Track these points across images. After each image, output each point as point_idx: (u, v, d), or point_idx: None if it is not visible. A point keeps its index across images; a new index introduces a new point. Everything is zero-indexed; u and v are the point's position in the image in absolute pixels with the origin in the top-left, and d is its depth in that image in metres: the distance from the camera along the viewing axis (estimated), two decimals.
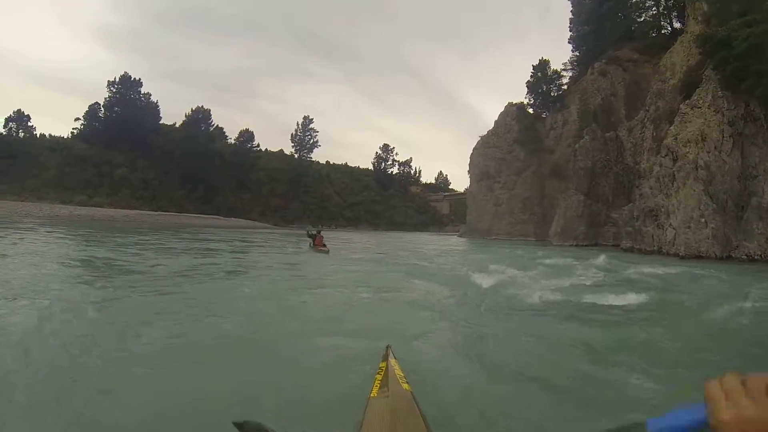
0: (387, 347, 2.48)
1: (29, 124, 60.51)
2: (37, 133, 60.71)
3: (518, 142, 42.74)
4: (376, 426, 1.63)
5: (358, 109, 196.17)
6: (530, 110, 46.75)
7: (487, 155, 45.01)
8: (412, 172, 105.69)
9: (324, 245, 15.78)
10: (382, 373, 2.08)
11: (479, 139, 48.20)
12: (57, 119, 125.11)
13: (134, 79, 65.33)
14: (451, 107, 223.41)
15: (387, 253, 19.34)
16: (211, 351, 3.90)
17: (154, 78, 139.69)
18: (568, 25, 48.22)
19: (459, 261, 15.80)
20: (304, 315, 5.90)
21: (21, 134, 58.52)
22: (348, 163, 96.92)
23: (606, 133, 32.08)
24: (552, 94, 46.40)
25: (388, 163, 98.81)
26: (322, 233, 16.88)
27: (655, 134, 25.73)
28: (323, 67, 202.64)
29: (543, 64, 47.37)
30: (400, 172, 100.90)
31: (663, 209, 20.45)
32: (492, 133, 46.34)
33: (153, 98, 66.75)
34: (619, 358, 4.14)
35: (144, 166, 60.37)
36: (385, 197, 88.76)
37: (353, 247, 23.11)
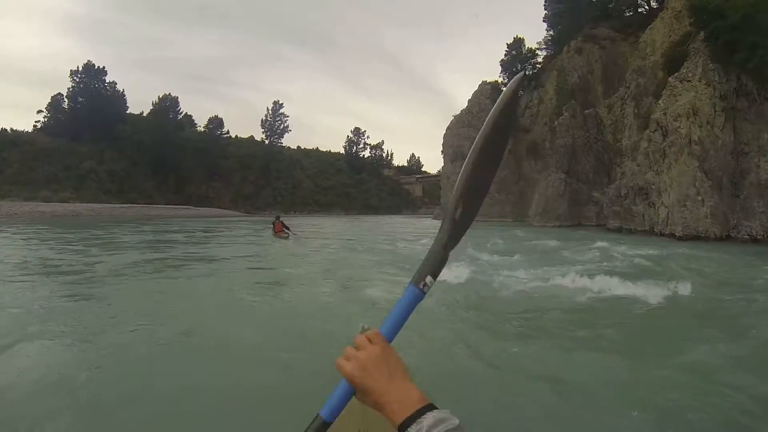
0: (362, 327, 1.71)
1: None
2: None
3: None
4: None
5: (332, 95, 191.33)
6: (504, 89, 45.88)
7: (461, 135, 43.82)
8: (384, 155, 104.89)
9: (284, 231, 15.51)
10: None
11: (452, 118, 47.03)
12: (18, 114, 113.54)
13: (98, 67, 61.75)
14: (424, 91, 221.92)
15: (355, 238, 18.32)
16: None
17: (122, 68, 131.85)
18: (543, 3, 47.23)
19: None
20: (245, 314, 5.31)
21: None
22: (319, 148, 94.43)
23: (585, 111, 31.48)
24: (527, 72, 45.52)
25: (360, 146, 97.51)
26: (282, 219, 16.53)
27: (636, 111, 25.23)
28: (297, 53, 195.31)
29: (517, 42, 46.37)
30: (372, 156, 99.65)
31: (654, 187, 19.89)
32: (466, 113, 45.21)
33: (119, 87, 63.55)
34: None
35: (111, 157, 57.43)
36: (358, 181, 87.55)
37: (322, 233, 21.97)
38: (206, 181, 66.81)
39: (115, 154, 57.87)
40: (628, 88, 26.94)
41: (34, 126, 59.78)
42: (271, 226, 16.17)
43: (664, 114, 19.94)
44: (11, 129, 56.99)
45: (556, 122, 32.24)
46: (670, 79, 20.67)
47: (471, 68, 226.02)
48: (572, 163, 30.67)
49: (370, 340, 0.61)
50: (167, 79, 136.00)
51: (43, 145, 54.41)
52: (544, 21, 47.10)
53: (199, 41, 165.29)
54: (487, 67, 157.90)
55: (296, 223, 21.83)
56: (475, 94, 45.31)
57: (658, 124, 20.24)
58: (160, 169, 60.42)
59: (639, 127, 23.75)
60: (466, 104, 45.79)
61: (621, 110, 28.16)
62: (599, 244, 13.09)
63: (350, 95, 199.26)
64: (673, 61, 21.92)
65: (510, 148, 39.74)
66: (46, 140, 55.84)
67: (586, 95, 34.42)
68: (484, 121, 0.71)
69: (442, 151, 47.87)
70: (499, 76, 46.21)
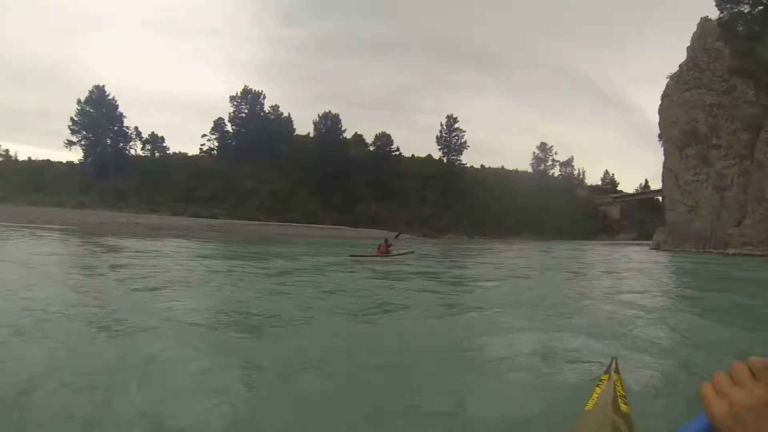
0: (612, 359, 2.09)
1: (164, 144, 66.02)
2: (171, 152, 65.88)
3: (738, 72, 25.20)
4: None
5: (511, 115, 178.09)
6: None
7: (688, 103, 28.31)
8: (576, 173, 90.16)
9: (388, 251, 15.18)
10: (602, 386, 1.80)
11: (668, 80, 31.73)
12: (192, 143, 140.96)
13: (255, 91, 65.73)
14: (605, 104, 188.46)
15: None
16: None
17: (300, 102, 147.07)
18: None
19: None
20: None
21: (156, 154, 64.18)
22: (504, 167, 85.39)
23: None
24: None
25: (548, 164, 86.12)
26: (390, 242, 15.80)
27: None
28: (469, 75, 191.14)
29: None
30: (562, 174, 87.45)
31: None
32: (689, 67, 29.42)
33: (284, 111, 66.83)
34: None
35: (273, 177, 59.54)
36: (548, 202, 75.51)
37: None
38: (378, 201, 64.02)
39: (277, 173, 59.26)
40: None
41: (200, 149, 65.85)
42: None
43: None
44: (179, 151, 65.20)
45: None
46: None
47: (651, 75, 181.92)
48: None
49: (753, 374, 0.46)
50: (343, 110, 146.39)
51: (206, 166, 59.06)
52: None
53: (369, 75, 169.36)
54: (669, 67, 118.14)
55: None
56: (697, 39, 29.72)
57: None
58: (325, 188, 59.45)
59: None
60: (685, 55, 29.96)
61: None
62: None
63: (531, 115, 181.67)
64: None
65: None
66: (209, 162, 60.86)
67: None
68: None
69: (659, 137, 32.36)
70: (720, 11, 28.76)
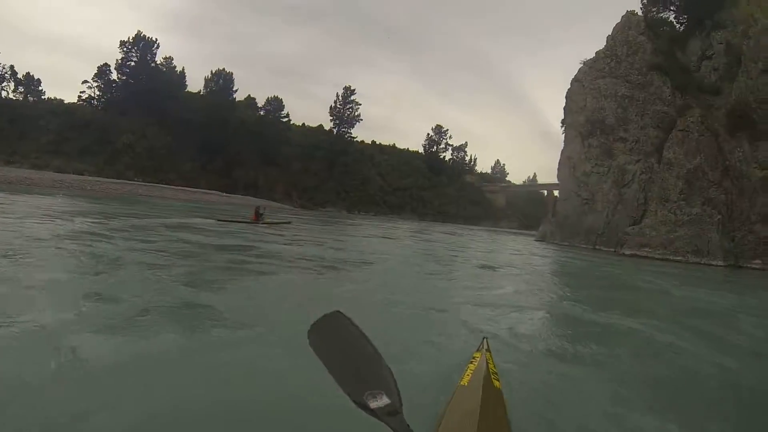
0: (483, 338, 2.44)
1: (39, 88, 57.06)
2: (46, 97, 57.03)
3: (658, 69, 25.13)
4: (460, 415, 1.64)
5: (413, 98, 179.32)
6: None
7: (601, 90, 27.20)
8: (467, 159, 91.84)
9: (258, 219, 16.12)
10: (475, 363, 2.05)
11: (581, 65, 30.55)
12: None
13: (149, 38, 57.60)
14: (506, 97, 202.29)
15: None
16: None
17: (207, 60, 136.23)
18: None
19: None
20: None
21: (30, 99, 55.58)
22: (396, 145, 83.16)
23: None
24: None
25: (441, 146, 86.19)
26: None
27: None
28: (378, 52, 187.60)
29: None
30: (453, 158, 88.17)
31: None
32: (606, 55, 28.41)
33: (177, 65, 60.04)
34: None
35: (154, 134, 53.47)
36: (435, 184, 76.33)
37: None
38: (259, 168, 59.34)
39: (159, 131, 53.68)
40: None
41: (79, 97, 57.18)
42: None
43: None
44: (55, 97, 56.97)
45: None
46: None
47: (555, 79, 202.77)
48: None
49: None
50: (249, 73, 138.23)
51: (83, 116, 52.48)
52: None
53: (286, 40, 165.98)
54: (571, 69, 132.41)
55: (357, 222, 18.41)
56: (619, 29, 28.79)
57: None
58: (206, 150, 54.75)
59: None
60: (605, 43, 29.45)
61: None
62: None
63: (432, 99, 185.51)
64: None
65: (695, 119, 22.94)
66: (86, 111, 54.14)
67: None
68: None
69: (562, 123, 31.71)
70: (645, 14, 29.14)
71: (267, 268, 6.93)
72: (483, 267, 11.02)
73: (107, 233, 9.04)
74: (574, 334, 4.69)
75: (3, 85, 54.59)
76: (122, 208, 19.12)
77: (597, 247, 25.13)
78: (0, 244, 6.13)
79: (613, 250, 23.61)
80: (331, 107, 70.25)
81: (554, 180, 35.58)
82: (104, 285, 4.67)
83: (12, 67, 54.71)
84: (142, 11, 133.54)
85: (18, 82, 55.50)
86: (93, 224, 10.85)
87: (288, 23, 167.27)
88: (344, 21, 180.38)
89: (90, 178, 40.55)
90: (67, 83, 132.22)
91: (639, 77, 25.06)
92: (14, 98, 54.60)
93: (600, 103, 26.73)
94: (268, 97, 65.42)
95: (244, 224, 15.40)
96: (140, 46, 56.96)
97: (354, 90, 70.73)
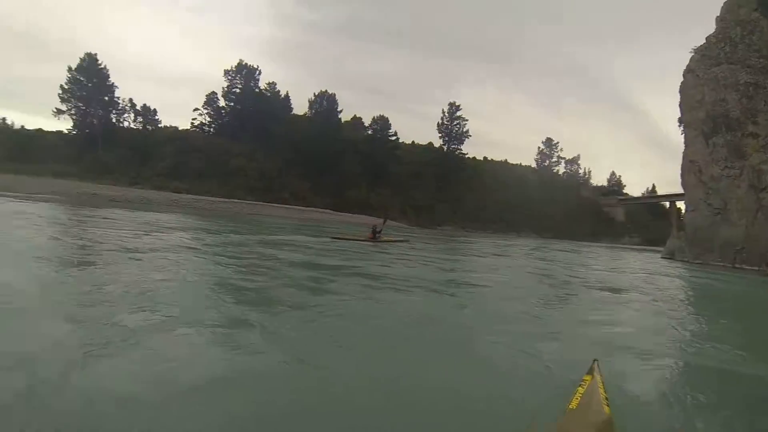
0: (594, 361, 2.35)
1: (156, 117, 63.06)
2: (162, 125, 63.36)
3: None
4: None
5: (520, 112, 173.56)
6: None
7: (720, 79, 23.66)
8: (581, 172, 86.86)
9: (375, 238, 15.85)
10: (585, 386, 1.99)
11: (692, 54, 26.85)
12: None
13: (251, 65, 62.45)
14: (614, 106, 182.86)
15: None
16: None
17: (310, 84, 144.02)
18: None
19: None
20: None
21: (149, 128, 61.69)
22: (508, 160, 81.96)
23: None
24: None
25: (553, 160, 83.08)
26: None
27: None
28: (479, 68, 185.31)
29: None
30: (567, 172, 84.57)
31: None
32: (719, 39, 24.87)
33: (281, 89, 63.88)
34: None
35: (264, 156, 57.35)
36: (551, 199, 72.00)
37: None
38: (371, 188, 60.98)
39: (267, 153, 57.16)
40: None
41: (191, 124, 63.21)
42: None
43: None
44: (169, 125, 62.64)
45: None
46: None
47: (659, 75, 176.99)
48: None
49: None
50: (349, 94, 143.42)
51: (194, 141, 57.22)
52: None
53: (384, 62, 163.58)
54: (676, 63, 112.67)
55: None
56: (728, 9, 25.17)
57: None
58: (316, 171, 57.20)
59: None
60: (714, 27, 25.93)
61: None
62: None
63: (536, 110, 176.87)
64: None
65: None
66: (197, 137, 59.19)
67: None
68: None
69: (680, 122, 28.30)
70: None
71: (382, 286, 7.12)
72: (604, 289, 10.00)
73: (200, 247, 9.88)
74: (711, 384, 3.82)
75: (125, 116, 60.45)
76: (228, 225, 20.20)
77: (737, 265, 21.38)
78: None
79: (757, 268, 20.01)
80: (438, 124, 70.01)
81: (676, 190, 31.63)
82: (173, 295, 5.12)
83: (131, 99, 60.16)
84: (243, 42, 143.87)
85: (137, 113, 60.64)
86: (188, 240, 11.61)
87: (381, 44, 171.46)
88: (437, 41, 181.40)
89: (201, 197, 43.58)
90: (176, 111, 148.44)
91: (761, 60, 21.51)
92: (135, 128, 60.32)
93: (720, 94, 23.31)
94: (374, 117, 66.89)
95: (357, 242, 15.19)
96: (243, 73, 61.41)
97: (459, 106, 69.98)
